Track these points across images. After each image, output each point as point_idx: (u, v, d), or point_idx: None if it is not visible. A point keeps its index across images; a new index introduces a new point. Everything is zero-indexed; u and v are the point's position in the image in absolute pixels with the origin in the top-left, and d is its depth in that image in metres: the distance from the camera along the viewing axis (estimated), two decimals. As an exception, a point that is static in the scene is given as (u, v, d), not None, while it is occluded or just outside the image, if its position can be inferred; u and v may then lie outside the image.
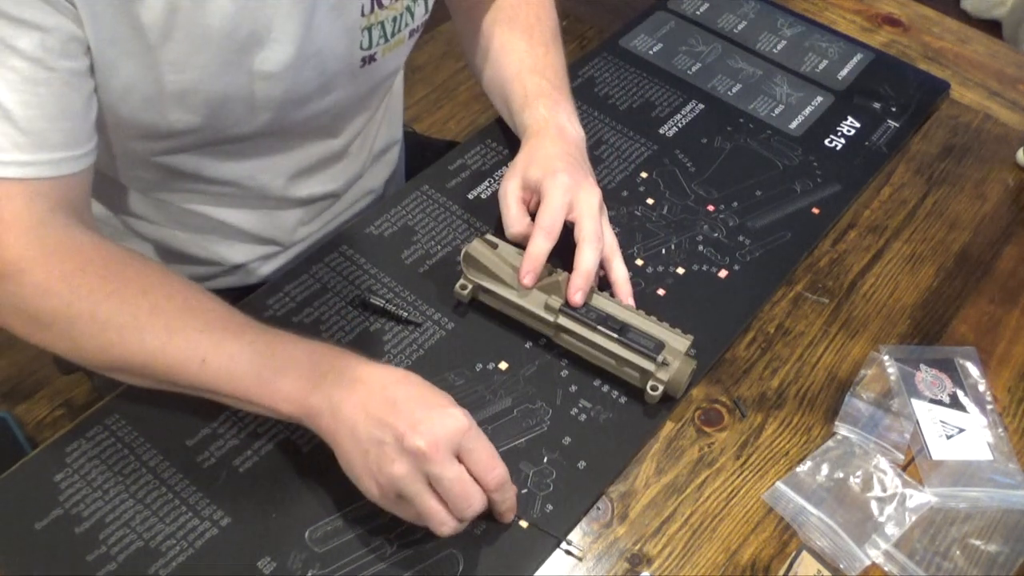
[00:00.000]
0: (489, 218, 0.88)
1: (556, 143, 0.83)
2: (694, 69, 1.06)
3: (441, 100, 2.17)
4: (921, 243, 0.92)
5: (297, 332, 0.69)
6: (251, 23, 0.70)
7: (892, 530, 0.71)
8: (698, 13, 1.13)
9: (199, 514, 0.68)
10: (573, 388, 0.77)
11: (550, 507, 0.70)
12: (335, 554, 0.67)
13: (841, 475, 0.74)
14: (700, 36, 1.10)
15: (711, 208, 0.92)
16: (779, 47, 1.10)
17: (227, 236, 0.91)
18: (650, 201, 0.92)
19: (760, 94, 1.04)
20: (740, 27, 1.12)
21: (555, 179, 0.79)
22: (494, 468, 0.64)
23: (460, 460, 0.62)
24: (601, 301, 0.78)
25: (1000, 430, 0.78)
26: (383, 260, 0.84)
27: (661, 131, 0.99)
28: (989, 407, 0.79)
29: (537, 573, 0.68)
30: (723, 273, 0.86)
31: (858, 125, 1.02)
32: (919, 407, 0.79)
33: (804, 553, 0.69)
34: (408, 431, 0.61)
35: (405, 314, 0.80)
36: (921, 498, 0.73)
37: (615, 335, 0.75)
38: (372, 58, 0.81)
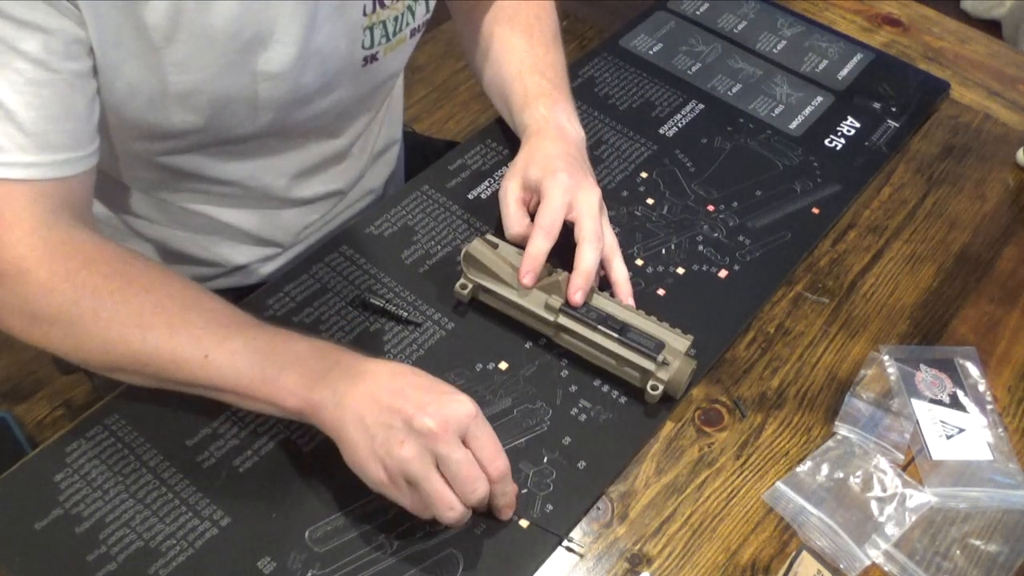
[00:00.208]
0: (489, 218, 0.88)
1: (556, 143, 0.83)
2: (694, 69, 1.06)
3: (441, 100, 2.17)
4: (921, 243, 0.92)
5: (298, 331, 0.69)
6: (255, 24, 0.70)
7: (892, 530, 0.71)
8: (698, 13, 1.13)
9: (199, 514, 0.68)
10: (573, 388, 0.77)
11: (550, 507, 0.70)
12: (335, 554, 0.67)
13: (841, 475, 0.74)
14: (700, 36, 1.10)
15: (711, 208, 0.92)
16: (779, 47, 1.10)
17: (228, 237, 0.91)
18: (650, 201, 0.92)
19: (760, 94, 1.04)
20: (740, 27, 1.12)
21: (555, 179, 0.79)
22: (498, 457, 0.64)
23: (466, 446, 0.63)
24: (601, 301, 0.78)
25: (1000, 430, 0.78)
26: (383, 260, 0.84)
27: (661, 131, 0.99)
28: (989, 407, 0.79)
29: (537, 573, 0.68)
30: (723, 273, 0.86)
31: (858, 125, 1.02)
32: (919, 407, 0.79)
33: (804, 553, 0.69)
34: (417, 412, 0.61)
35: (405, 314, 0.80)
36: (921, 498, 0.73)
37: (615, 335, 0.75)
38: (374, 57, 0.81)
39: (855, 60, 1.09)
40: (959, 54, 1.14)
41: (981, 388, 0.81)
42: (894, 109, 1.03)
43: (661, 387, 0.74)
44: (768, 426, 0.77)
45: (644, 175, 0.94)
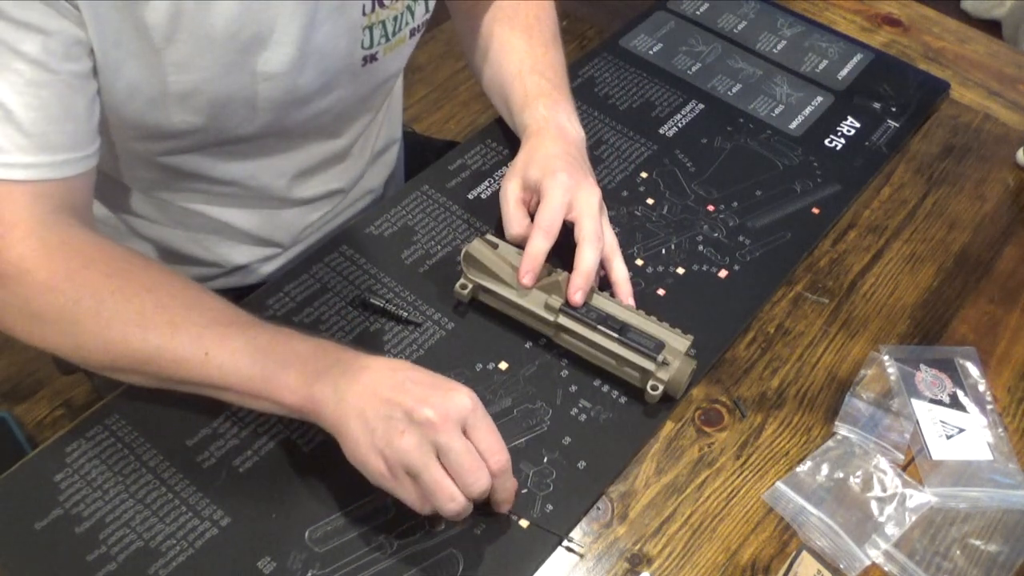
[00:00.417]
0: (489, 218, 0.88)
1: (556, 143, 0.83)
2: (694, 69, 1.06)
3: (441, 100, 2.17)
4: (921, 243, 0.92)
5: (298, 331, 0.69)
6: (255, 24, 0.70)
7: (892, 530, 0.71)
8: (698, 13, 1.13)
9: (199, 514, 0.68)
10: (573, 388, 0.77)
11: (550, 507, 0.70)
12: (335, 554, 0.67)
13: (841, 475, 0.74)
14: (700, 36, 1.10)
15: (711, 208, 0.92)
16: (779, 47, 1.10)
17: (229, 237, 0.91)
18: (650, 201, 0.92)
19: (760, 94, 1.04)
20: (740, 27, 1.12)
21: (555, 179, 0.79)
22: (499, 450, 0.64)
23: (467, 438, 0.63)
24: (601, 301, 0.78)
25: (1000, 430, 0.78)
26: (383, 260, 0.84)
27: (661, 131, 0.99)
28: (989, 407, 0.79)
29: (537, 573, 0.68)
30: (723, 273, 0.86)
31: (858, 125, 1.02)
32: (919, 407, 0.79)
33: (804, 553, 0.69)
34: (417, 404, 0.61)
35: (405, 314, 0.80)
36: (921, 498, 0.73)
37: (615, 335, 0.75)
38: (373, 57, 0.81)
39: (855, 60, 1.09)
40: (959, 54, 1.14)
41: (981, 388, 0.81)
42: (894, 109, 1.03)
43: (661, 387, 0.74)
44: (768, 426, 0.77)
45: (644, 175, 0.94)
